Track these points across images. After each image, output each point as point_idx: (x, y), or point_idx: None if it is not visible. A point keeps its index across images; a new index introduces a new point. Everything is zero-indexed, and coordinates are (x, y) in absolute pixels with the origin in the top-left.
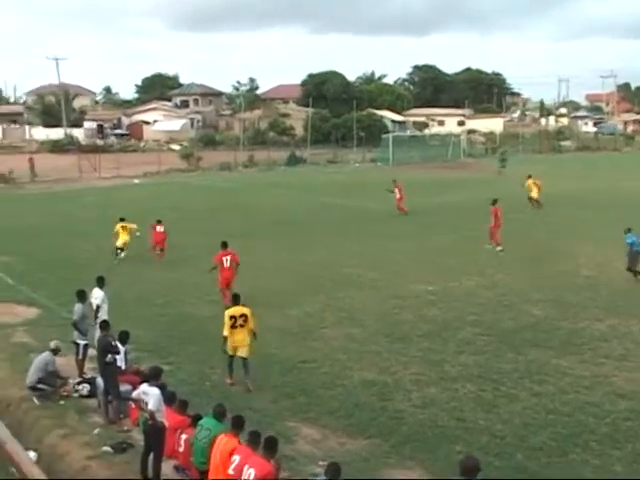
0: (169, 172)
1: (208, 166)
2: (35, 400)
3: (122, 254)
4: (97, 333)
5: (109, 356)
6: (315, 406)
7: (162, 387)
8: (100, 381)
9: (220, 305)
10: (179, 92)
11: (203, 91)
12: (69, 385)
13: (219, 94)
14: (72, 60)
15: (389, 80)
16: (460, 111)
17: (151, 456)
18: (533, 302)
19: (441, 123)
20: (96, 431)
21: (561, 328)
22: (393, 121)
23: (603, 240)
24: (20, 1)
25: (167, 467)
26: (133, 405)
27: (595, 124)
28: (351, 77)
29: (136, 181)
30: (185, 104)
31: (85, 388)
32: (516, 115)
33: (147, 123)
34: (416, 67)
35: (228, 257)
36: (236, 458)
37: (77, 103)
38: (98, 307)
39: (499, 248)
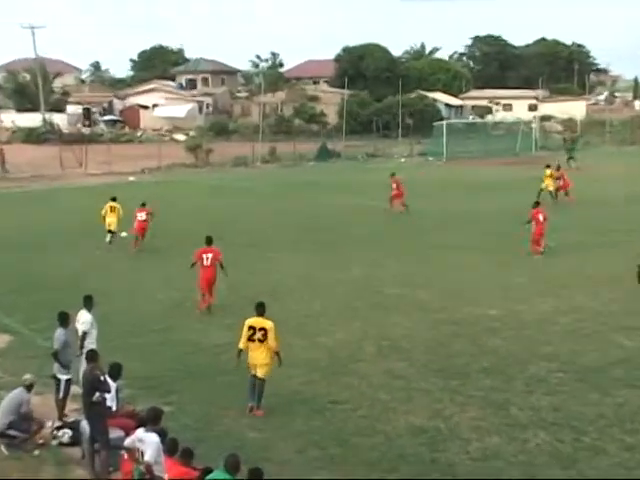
0: (172, 168)
1: (220, 161)
2: (3, 449)
3: (109, 237)
4: (83, 366)
5: (97, 394)
6: (350, 457)
7: (162, 433)
8: (85, 425)
9: (234, 331)
10: (184, 69)
11: (214, 68)
12: (46, 430)
13: (234, 72)
14: (52, 29)
15: (443, 55)
16: (532, 93)
17: None
18: (624, 331)
19: (508, 108)
20: None
21: None
22: (448, 105)
23: None
24: None
25: None
26: (126, 455)
27: None
28: (396, 51)
29: (131, 179)
30: (192, 84)
31: (66, 434)
32: (602, 97)
33: (145, 108)
34: (477, 38)
35: (209, 255)
36: None
37: (58, 82)
38: (85, 334)
39: (541, 249)
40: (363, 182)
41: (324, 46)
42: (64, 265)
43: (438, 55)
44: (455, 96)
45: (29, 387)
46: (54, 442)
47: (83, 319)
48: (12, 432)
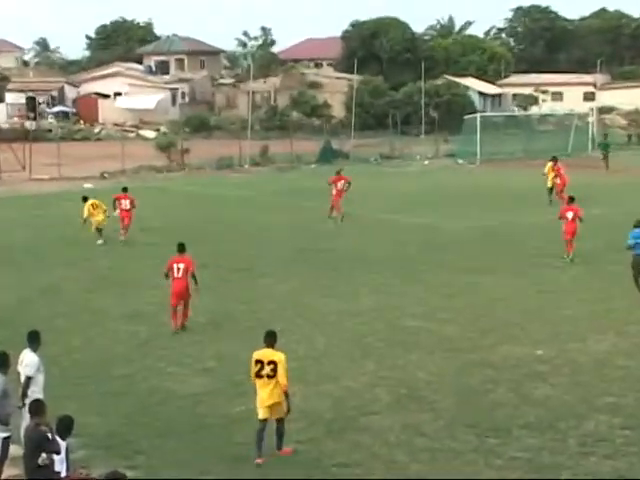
0: (139, 171)
1: (199, 163)
2: None
3: (101, 240)
4: (25, 420)
5: (43, 456)
6: None
7: None
8: None
9: (217, 376)
10: (154, 50)
11: (191, 48)
12: None
13: (216, 53)
14: None
15: (477, 31)
16: (588, 78)
17: None
18: None
19: (558, 97)
20: None
21: None
22: (482, 94)
23: None
24: None
25: None
26: None
27: None
28: (418, 27)
29: (88, 185)
30: (163, 68)
31: None
32: None
33: (105, 97)
34: (519, 10)
35: (181, 265)
36: None
37: None
38: (29, 379)
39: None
40: (375, 190)
41: (328, 21)
42: (1, 290)
43: (471, 31)
44: (492, 83)
45: None
46: None
47: (27, 360)
48: None
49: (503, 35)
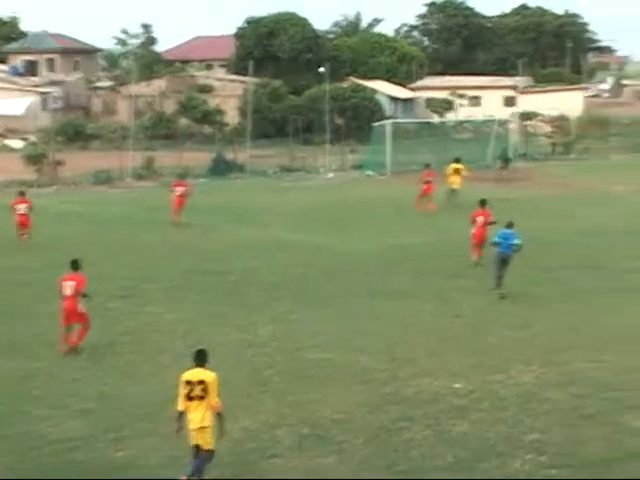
0: (4, 187)
1: (74, 177)
2: None
3: None
4: None
5: None
6: None
7: None
8: None
9: (97, 419)
10: (20, 48)
11: (64, 46)
12: None
13: (91, 51)
14: None
15: (387, 29)
16: (509, 81)
17: None
18: (637, 410)
19: (476, 101)
20: None
21: None
22: (393, 99)
23: None
24: None
25: None
26: None
27: None
28: (321, 24)
29: None
30: (31, 69)
31: None
32: (606, 86)
33: None
34: (433, 6)
35: (71, 282)
36: None
37: None
38: None
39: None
40: (274, 206)
41: (219, 17)
42: None
43: (380, 29)
44: (403, 86)
45: None
46: None
47: None
48: None
49: (415, 33)
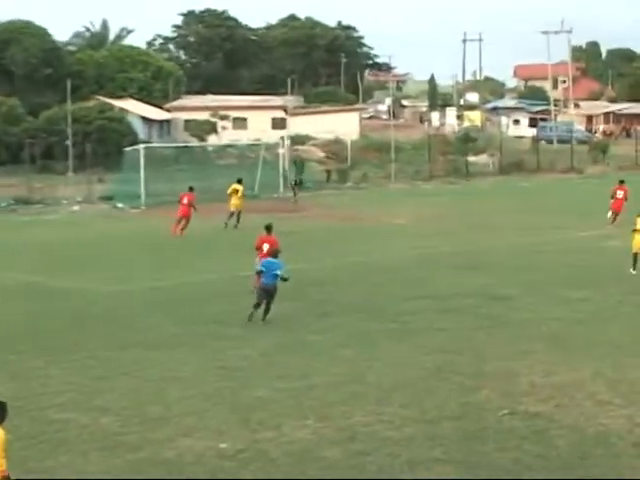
0: None
1: None
2: None
3: None
4: None
5: None
6: None
7: None
8: None
9: None
10: None
11: None
12: None
13: None
14: None
15: (139, 41)
16: (278, 100)
17: None
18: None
19: (241, 124)
20: None
21: None
22: (146, 120)
23: None
24: None
25: None
26: None
27: (532, 123)
28: (61, 35)
29: None
30: None
31: None
32: (384, 107)
33: None
34: (191, 15)
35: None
36: None
37: None
38: None
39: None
40: (8, 243)
41: None
42: None
43: (130, 41)
44: (159, 106)
45: None
46: None
47: None
48: None
49: (171, 46)
